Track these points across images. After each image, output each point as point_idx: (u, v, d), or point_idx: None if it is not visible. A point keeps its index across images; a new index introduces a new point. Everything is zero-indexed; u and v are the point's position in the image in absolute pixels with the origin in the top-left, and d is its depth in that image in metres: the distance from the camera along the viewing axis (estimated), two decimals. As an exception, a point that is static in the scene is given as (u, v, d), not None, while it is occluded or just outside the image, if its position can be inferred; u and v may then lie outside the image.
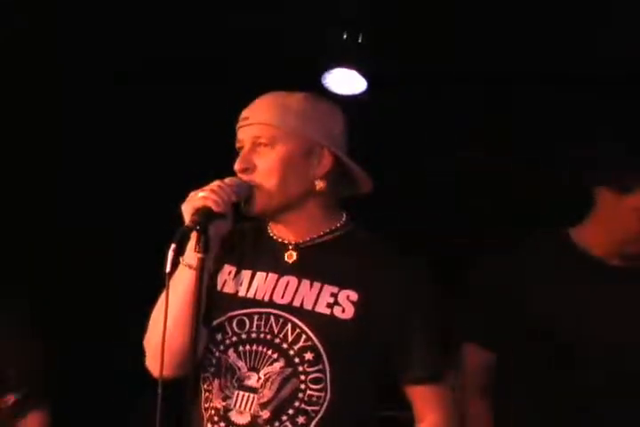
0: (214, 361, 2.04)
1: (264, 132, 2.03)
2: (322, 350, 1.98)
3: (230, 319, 2.04)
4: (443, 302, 2.13)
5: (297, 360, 1.98)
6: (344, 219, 2.14)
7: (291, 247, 2.09)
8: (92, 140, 4.34)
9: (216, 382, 2.03)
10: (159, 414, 1.77)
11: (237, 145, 2.09)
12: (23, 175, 4.26)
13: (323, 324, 1.99)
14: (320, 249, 2.08)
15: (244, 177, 2.03)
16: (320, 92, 2.29)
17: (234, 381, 2.01)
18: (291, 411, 1.97)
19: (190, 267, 1.94)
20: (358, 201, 2.17)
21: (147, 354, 2.04)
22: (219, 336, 2.04)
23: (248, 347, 2.01)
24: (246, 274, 2.08)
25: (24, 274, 3.67)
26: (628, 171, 2.69)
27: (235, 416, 1.99)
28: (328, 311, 2.01)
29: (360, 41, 3.83)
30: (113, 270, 4.52)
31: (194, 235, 1.90)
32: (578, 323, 2.62)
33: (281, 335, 2.00)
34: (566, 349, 2.61)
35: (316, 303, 2.01)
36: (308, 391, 1.97)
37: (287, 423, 1.97)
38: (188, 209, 1.93)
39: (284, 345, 1.99)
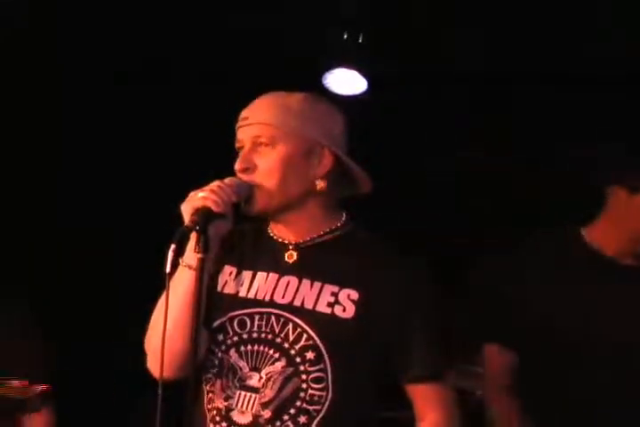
0: (216, 362, 2.04)
1: (264, 131, 2.03)
2: (323, 349, 1.98)
3: (231, 320, 2.04)
4: (443, 302, 2.12)
5: (298, 360, 1.98)
6: (344, 219, 2.14)
7: (291, 247, 2.09)
8: (92, 140, 4.35)
9: (218, 382, 2.03)
10: (159, 415, 1.76)
11: (237, 145, 2.09)
12: (23, 175, 4.26)
13: (324, 323, 1.99)
14: (320, 249, 2.08)
15: (245, 177, 2.02)
16: (320, 93, 2.30)
17: (235, 381, 2.01)
18: (292, 410, 1.97)
19: (190, 267, 1.94)
20: (358, 201, 2.17)
21: (147, 355, 2.04)
22: (220, 337, 2.04)
23: (249, 347, 2.01)
24: (247, 274, 2.08)
25: (24, 274, 3.68)
26: None
27: (236, 416, 1.99)
28: (329, 310, 2.01)
29: (360, 41, 3.83)
30: (113, 270, 4.52)
31: (193, 235, 1.90)
32: (587, 322, 2.62)
33: (282, 335, 2.00)
34: (575, 348, 2.61)
35: (316, 303, 2.01)
36: (310, 391, 1.97)
37: (289, 423, 1.97)
38: (187, 209, 1.93)
39: (286, 345, 1.99)
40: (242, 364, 2.01)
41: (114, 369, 4.30)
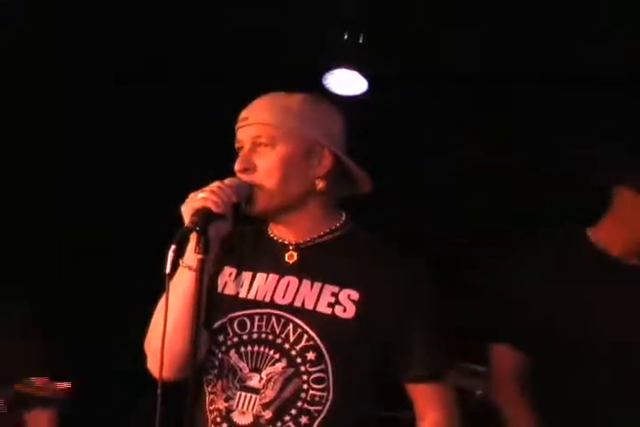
0: (216, 363, 2.04)
1: (264, 132, 2.03)
2: (324, 349, 1.98)
3: (231, 320, 2.04)
4: (443, 302, 2.13)
5: (299, 360, 1.98)
6: (343, 219, 2.14)
7: (291, 248, 2.09)
8: (92, 141, 4.34)
9: (219, 383, 2.03)
10: (159, 416, 1.76)
11: (237, 145, 2.09)
12: (23, 175, 4.26)
13: (324, 323, 2.00)
14: (320, 249, 2.09)
15: (245, 177, 2.02)
16: (321, 93, 2.30)
17: (236, 382, 2.01)
18: (293, 411, 1.97)
19: (190, 268, 1.94)
20: (358, 201, 2.17)
21: (148, 356, 2.04)
22: (220, 338, 2.04)
23: (250, 348, 2.01)
24: (247, 275, 2.09)
25: (24, 274, 3.68)
26: None
27: (237, 417, 1.99)
28: (329, 311, 2.01)
29: (360, 41, 3.83)
30: (113, 270, 4.52)
31: (193, 236, 1.90)
32: (591, 322, 2.62)
33: (282, 336, 2.00)
34: (577, 348, 2.61)
35: (317, 303, 2.02)
36: (311, 391, 1.98)
37: (290, 424, 1.97)
38: (187, 210, 1.93)
39: (286, 345, 1.99)
40: (242, 365, 2.01)
41: (114, 369, 4.30)
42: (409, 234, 3.58)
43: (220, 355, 2.04)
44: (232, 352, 2.02)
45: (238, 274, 2.09)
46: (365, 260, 2.07)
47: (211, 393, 2.05)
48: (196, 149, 4.36)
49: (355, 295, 2.02)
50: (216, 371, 2.04)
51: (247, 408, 1.98)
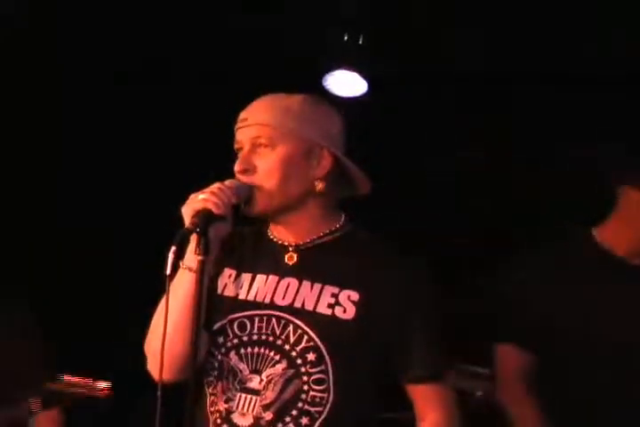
0: (216, 364, 2.04)
1: (263, 132, 2.03)
2: (324, 350, 1.98)
3: (231, 322, 2.04)
4: (443, 302, 2.13)
5: (299, 361, 1.98)
6: (343, 219, 2.14)
7: (291, 249, 2.09)
8: (91, 141, 4.35)
9: (219, 385, 2.03)
10: (159, 417, 1.76)
11: (236, 146, 2.09)
12: (23, 175, 4.26)
13: (324, 324, 1.99)
14: (320, 250, 2.08)
15: (244, 178, 2.02)
16: (321, 94, 2.30)
17: (236, 383, 2.01)
18: (294, 412, 1.97)
19: (190, 269, 1.94)
20: (358, 201, 2.17)
21: (148, 358, 2.04)
22: (220, 339, 2.04)
23: (250, 349, 2.01)
24: (246, 277, 2.08)
25: (24, 274, 3.68)
26: None
27: (237, 418, 1.99)
28: (329, 312, 2.01)
29: (360, 42, 3.83)
30: (113, 271, 4.52)
31: (194, 237, 1.90)
32: (596, 322, 2.62)
33: (283, 337, 2.00)
34: (585, 348, 2.61)
35: (317, 304, 2.01)
36: (311, 392, 1.97)
37: (290, 425, 1.97)
38: (188, 211, 1.93)
39: (286, 347, 1.99)
40: (242, 366, 2.01)
41: (114, 369, 4.30)
42: (409, 234, 3.59)
43: (219, 356, 2.04)
44: (232, 354, 2.02)
45: (238, 275, 2.09)
46: (365, 260, 2.07)
47: (211, 395, 2.04)
48: (196, 149, 4.36)
49: (355, 296, 2.02)
50: (216, 372, 2.04)
51: (247, 410, 1.98)
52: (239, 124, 2.07)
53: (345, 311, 2.01)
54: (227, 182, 1.99)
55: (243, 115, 2.08)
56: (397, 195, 4.40)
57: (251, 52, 4.07)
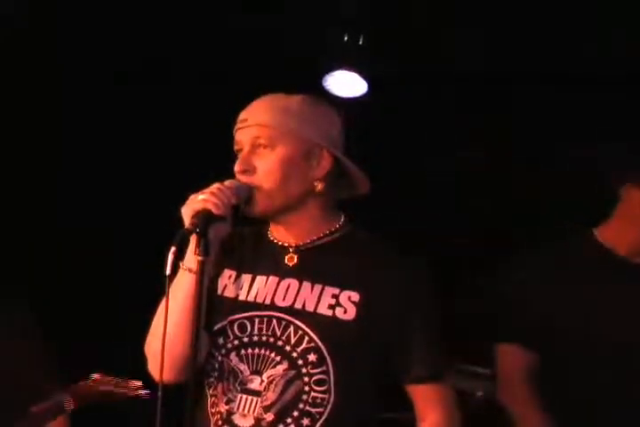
0: (216, 365, 2.04)
1: (263, 133, 2.03)
2: (325, 351, 1.98)
3: (231, 323, 2.04)
4: (443, 302, 2.13)
5: (300, 362, 1.98)
6: (342, 220, 2.14)
7: (291, 250, 2.09)
8: (92, 141, 4.34)
9: (219, 386, 2.03)
10: (159, 418, 1.76)
11: (236, 147, 2.09)
12: (23, 175, 4.26)
13: (325, 325, 1.99)
14: (320, 251, 2.09)
15: (244, 179, 2.02)
16: (321, 95, 2.30)
17: (236, 384, 2.01)
18: (295, 413, 1.97)
19: (190, 270, 1.94)
20: (358, 201, 2.17)
21: (148, 359, 2.04)
22: (220, 340, 2.04)
23: (250, 350, 2.01)
24: (246, 278, 2.09)
25: (24, 274, 3.68)
26: None
27: (238, 419, 1.99)
28: (330, 313, 2.01)
29: (360, 43, 3.83)
30: (113, 271, 4.52)
31: (193, 238, 1.90)
32: (591, 322, 2.63)
33: (283, 338, 2.00)
34: (578, 348, 2.62)
35: (317, 305, 2.02)
36: (312, 393, 1.98)
37: (292, 426, 1.97)
38: (187, 212, 1.93)
39: (287, 347, 1.99)
40: (242, 367, 2.01)
41: (114, 369, 4.29)
42: (409, 234, 3.58)
43: (220, 358, 2.04)
44: (232, 355, 2.02)
45: (238, 276, 2.09)
46: (365, 260, 2.07)
47: (212, 396, 2.05)
48: (195, 149, 4.36)
49: (355, 297, 2.02)
50: (217, 373, 2.04)
51: (248, 411, 1.98)
52: (239, 125, 2.08)
53: (345, 312, 2.01)
54: (226, 183, 1.99)
55: (242, 115, 2.08)
56: (397, 195, 4.39)
57: (251, 52, 4.06)
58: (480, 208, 4.65)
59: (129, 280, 4.34)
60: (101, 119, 4.32)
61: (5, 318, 2.87)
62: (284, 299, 2.03)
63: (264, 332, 2.01)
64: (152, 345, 2.01)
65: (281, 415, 1.97)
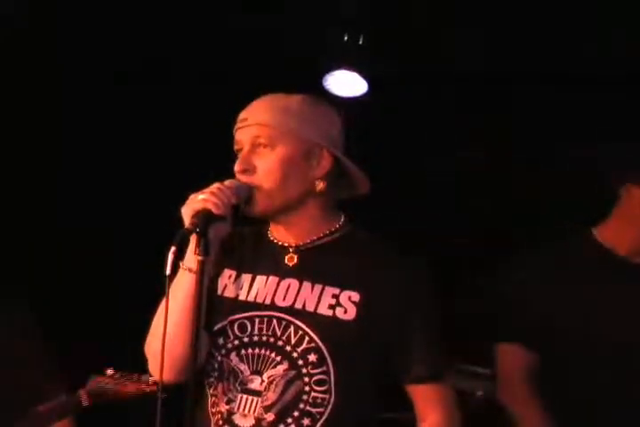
0: (216, 365, 2.04)
1: (263, 132, 2.03)
2: (325, 351, 1.98)
3: (231, 323, 2.04)
4: (443, 302, 2.13)
5: (301, 362, 1.98)
6: (342, 220, 2.15)
7: (291, 250, 2.09)
8: (91, 141, 4.34)
9: (220, 386, 2.03)
10: (159, 418, 1.76)
11: (236, 147, 2.09)
12: (23, 175, 4.26)
13: (325, 325, 2.00)
14: (320, 251, 2.09)
15: (244, 178, 2.02)
16: (321, 94, 2.30)
17: (237, 384, 2.01)
18: (295, 413, 1.97)
19: (190, 270, 1.94)
20: (358, 201, 2.17)
21: (148, 359, 2.05)
22: (220, 340, 2.04)
23: (250, 350, 2.01)
24: (246, 278, 2.09)
25: (24, 274, 3.67)
26: None
27: (238, 419, 1.99)
28: (330, 313, 2.01)
29: (360, 42, 3.83)
30: (113, 270, 4.52)
31: (193, 237, 1.90)
32: (591, 322, 2.63)
33: (284, 338, 2.00)
34: (578, 348, 2.62)
35: (317, 305, 2.02)
36: (313, 393, 1.98)
37: (292, 426, 1.97)
38: (187, 211, 1.93)
39: (288, 348, 1.99)
40: (243, 367, 2.01)
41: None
42: (409, 234, 3.58)
43: (220, 358, 2.04)
44: (233, 355, 2.03)
45: (238, 276, 2.09)
46: (365, 260, 2.08)
47: (212, 396, 2.05)
48: (195, 149, 4.36)
49: (355, 297, 2.02)
50: (217, 373, 2.04)
51: (249, 411, 1.98)
52: (239, 125, 2.08)
53: (346, 312, 2.01)
54: (226, 182, 1.99)
55: (242, 115, 2.08)
56: (397, 195, 4.39)
57: (251, 52, 4.06)
58: (480, 208, 4.65)
59: (129, 280, 4.34)
60: (101, 119, 4.32)
61: (5, 318, 2.87)
62: (284, 299, 2.03)
63: (264, 332, 2.01)
64: (152, 345, 2.01)
65: (281, 415, 1.97)
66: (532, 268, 2.75)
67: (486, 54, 4.06)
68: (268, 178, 2.02)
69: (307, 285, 2.04)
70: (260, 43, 3.99)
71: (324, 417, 1.97)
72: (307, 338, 1.99)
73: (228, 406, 2.01)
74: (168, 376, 1.88)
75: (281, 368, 1.98)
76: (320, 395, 1.98)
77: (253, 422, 1.98)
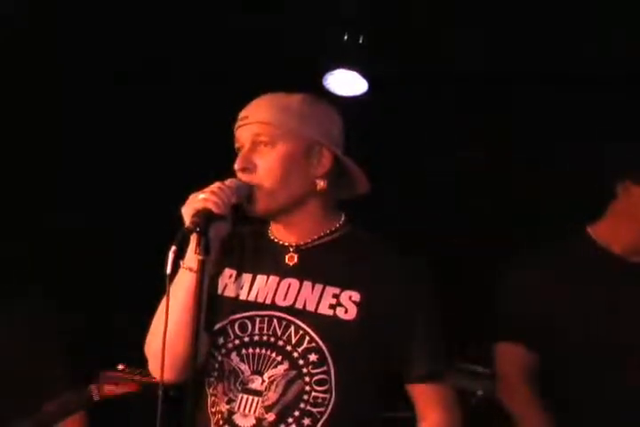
0: (217, 365, 2.04)
1: (264, 130, 2.04)
2: (326, 351, 1.98)
3: (232, 323, 2.04)
4: (443, 302, 2.13)
5: (301, 362, 1.98)
6: (343, 220, 2.14)
7: (292, 250, 2.09)
8: (91, 140, 4.34)
9: (220, 385, 2.03)
10: (159, 417, 1.76)
11: (236, 145, 2.09)
12: (23, 175, 4.26)
13: (326, 325, 1.99)
14: (320, 250, 2.09)
15: (244, 177, 2.02)
16: (321, 94, 2.30)
17: (237, 384, 2.01)
18: (296, 413, 1.97)
19: (191, 270, 1.94)
20: (358, 201, 2.17)
21: (149, 359, 2.04)
22: (220, 340, 2.04)
23: (251, 350, 2.01)
24: (247, 277, 2.09)
25: (24, 274, 3.67)
26: None
27: (239, 419, 1.99)
28: (331, 313, 2.01)
29: (360, 42, 3.83)
30: (113, 270, 4.52)
31: (194, 237, 1.90)
32: (597, 322, 2.63)
33: (284, 338, 2.00)
34: (578, 348, 2.61)
35: (318, 305, 2.02)
36: (313, 393, 1.97)
37: (293, 426, 1.97)
38: (188, 211, 1.93)
39: (288, 347, 1.99)
40: (243, 367, 2.01)
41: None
42: (409, 234, 3.58)
43: (220, 357, 2.04)
44: (233, 355, 2.02)
45: (238, 276, 2.09)
46: (365, 260, 2.08)
47: (212, 395, 2.05)
48: (196, 149, 4.36)
49: (356, 297, 2.02)
50: (217, 373, 2.04)
51: (249, 411, 1.98)
52: (239, 123, 2.08)
53: (346, 312, 2.01)
54: (227, 182, 1.99)
55: (243, 113, 2.08)
56: (397, 195, 4.40)
57: (251, 52, 4.07)
58: (480, 208, 4.65)
59: (129, 280, 4.34)
60: (101, 119, 4.32)
61: (5, 318, 2.88)
62: (284, 298, 2.03)
63: (265, 331, 2.01)
64: (152, 345, 2.01)
65: (282, 415, 1.97)
66: (532, 268, 2.74)
67: (486, 54, 4.06)
68: (268, 176, 2.01)
69: (307, 284, 2.04)
70: (260, 43, 3.99)
71: (324, 417, 1.97)
72: (307, 338, 1.99)
73: (228, 406, 2.00)
74: (168, 376, 1.88)
75: (281, 368, 1.98)
76: (321, 395, 1.97)
77: (254, 422, 1.97)
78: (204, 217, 1.90)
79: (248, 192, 2.00)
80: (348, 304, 2.02)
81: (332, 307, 2.01)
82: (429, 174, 4.64)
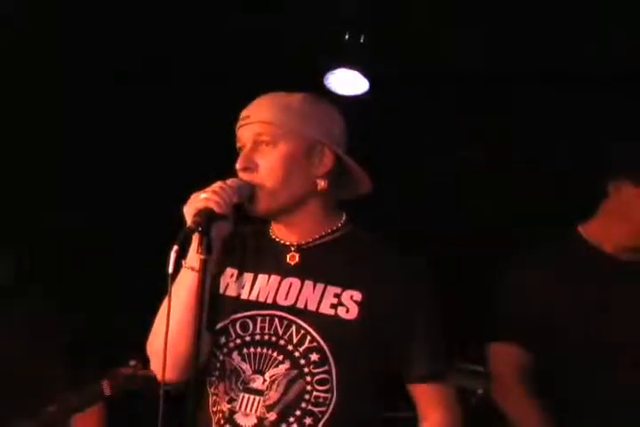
0: (218, 364, 2.04)
1: (265, 129, 2.03)
2: (327, 351, 1.98)
3: (233, 322, 2.04)
4: (443, 302, 2.13)
5: (303, 362, 1.98)
6: (344, 219, 2.15)
7: (293, 249, 2.09)
8: (91, 140, 4.34)
9: (221, 385, 2.03)
10: (161, 417, 1.76)
11: (238, 145, 2.09)
12: (23, 175, 4.26)
13: (327, 325, 1.99)
14: (322, 250, 2.09)
15: (246, 176, 2.02)
16: (321, 93, 2.30)
17: (238, 383, 2.00)
18: (298, 412, 1.97)
19: (193, 269, 1.94)
20: (358, 201, 2.17)
21: (150, 358, 2.04)
22: (222, 339, 2.04)
23: (252, 349, 2.01)
24: (248, 277, 2.09)
25: (24, 274, 3.67)
26: None
27: (240, 419, 1.99)
28: (332, 312, 2.01)
29: (361, 41, 3.83)
30: (113, 270, 4.52)
31: (196, 236, 1.90)
32: (591, 322, 2.63)
33: (286, 337, 2.00)
34: (577, 347, 2.62)
35: (319, 304, 2.02)
36: (315, 393, 1.97)
37: (294, 425, 1.97)
38: (189, 211, 1.93)
39: (290, 347, 1.99)
40: (245, 366, 2.01)
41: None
42: (409, 234, 3.58)
43: (222, 357, 2.04)
44: (235, 354, 2.02)
45: (240, 275, 2.09)
46: (366, 260, 2.08)
47: (213, 395, 2.05)
48: (196, 149, 4.36)
49: (357, 296, 2.02)
50: (218, 373, 2.04)
51: (251, 410, 1.98)
52: (241, 122, 2.08)
53: (348, 311, 2.01)
54: (228, 181, 1.99)
55: (244, 113, 2.08)
56: (397, 195, 4.40)
57: (251, 52, 4.07)
58: (480, 208, 4.65)
59: (129, 280, 4.34)
60: (101, 119, 4.32)
61: (6, 318, 2.88)
62: (285, 298, 2.03)
63: (266, 331, 2.01)
64: (154, 344, 2.01)
65: (284, 415, 1.96)
66: (532, 268, 2.75)
67: (486, 54, 4.06)
68: (269, 176, 2.01)
69: (308, 284, 2.04)
70: (261, 43, 3.99)
71: (325, 416, 1.97)
72: (309, 337, 1.99)
73: (229, 406, 2.00)
74: (170, 375, 1.89)
75: (283, 367, 1.98)
76: (322, 394, 1.98)
77: (255, 421, 1.97)
78: (206, 217, 1.90)
79: (249, 192, 2.00)
80: (349, 304, 2.02)
81: (334, 306, 2.01)
82: (429, 174, 4.64)
